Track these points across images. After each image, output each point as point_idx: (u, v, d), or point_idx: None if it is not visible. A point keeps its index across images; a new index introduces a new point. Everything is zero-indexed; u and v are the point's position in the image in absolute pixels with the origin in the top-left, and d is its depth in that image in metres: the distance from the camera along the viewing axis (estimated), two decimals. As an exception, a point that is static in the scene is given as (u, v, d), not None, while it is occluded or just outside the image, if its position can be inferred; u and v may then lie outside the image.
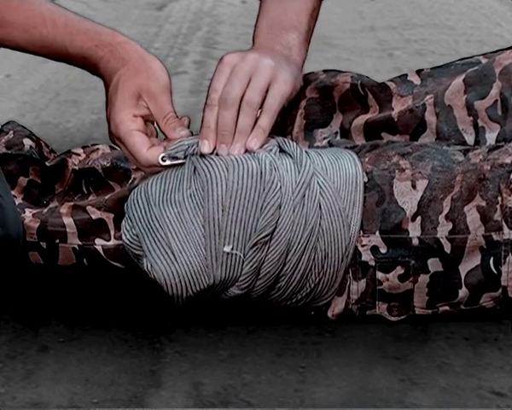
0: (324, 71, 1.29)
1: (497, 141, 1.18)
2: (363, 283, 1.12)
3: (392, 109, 1.24)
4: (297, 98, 1.20)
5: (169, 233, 1.04)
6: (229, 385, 1.11)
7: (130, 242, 1.08)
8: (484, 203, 1.09)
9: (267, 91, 1.08)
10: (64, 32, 1.06)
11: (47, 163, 1.28)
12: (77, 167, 1.27)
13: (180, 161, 1.07)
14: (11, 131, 1.29)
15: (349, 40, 3.07)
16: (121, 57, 1.06)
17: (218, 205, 1.03)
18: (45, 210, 1.18)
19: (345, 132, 1.26)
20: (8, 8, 1.06)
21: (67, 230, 1.15)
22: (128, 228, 1.08)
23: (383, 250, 1.10)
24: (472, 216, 1.09)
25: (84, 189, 1.25)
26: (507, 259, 1.09)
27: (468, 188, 1.09)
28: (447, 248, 1.09)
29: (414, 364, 1.15)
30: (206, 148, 1.06)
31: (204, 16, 3.68)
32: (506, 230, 1.09)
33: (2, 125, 1.31)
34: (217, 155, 1.06)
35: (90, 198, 1.22)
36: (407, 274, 1.10)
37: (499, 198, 1.09)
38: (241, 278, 1.05)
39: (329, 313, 1.14)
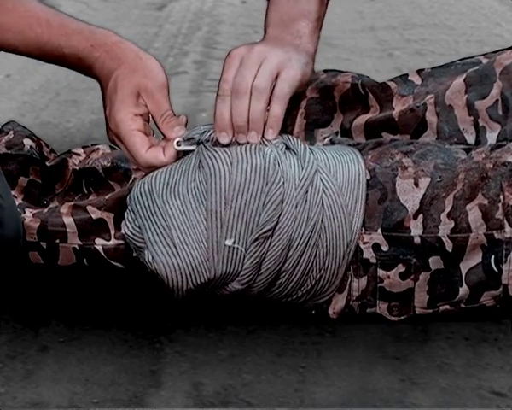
0: (325, 71, 1.29)
1: (497, 141, 1.18)
2: (364, 280, 1.12)
3: (393, 109, 1.24)
4: (297, 98, 1.20)
5: (171, 225, 1.04)
6: (229, 385, 1.11)
7: (132, 234, 1.08)
8: (486, 202, 1.09)
9: (277, 79, 1.07)
10: (59, 33, 1.06)
11: (47, 163, 1.28)
12: (77, 167, 1.27)
13: (194, 147, 1.07)
14: (11, 131, 1.29)
15: (349, 40, 3.07)
16: (117, 57, 1.05)
17: (221, 198, 1.03)
18: (45, 210, 1.18)
19: (345, 132, 1.26)
20: (2, 9, 1.06)
21: (68, 230, 1.15)
22: (130, 220, 1.08)
23: (385, 248, 1.10)
24: (474, 214, 1.09)
25: (85, 189, 1.25)
26: (508, 257, 1.09)
27: (470, 186, 1.09)
28: (449, 246, 1.09)
29: (414, 364, 1.15)
30: (225, 139, 1.06)
31: (204, 16, 3.68)
32: (508, 228, 1.09)
33: (3, 125, 1.31)
34: (223, 146, 1.06)
35: (91, 198, 1.22)
36: (408, 272, 1.10)
37: (501, 197, 1.09)
38: (241, 273, 1.05)
39: (330, 311, 1.14)
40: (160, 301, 1.14)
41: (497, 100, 1.19)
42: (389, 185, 1.10)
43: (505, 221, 1.09)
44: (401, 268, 1.10)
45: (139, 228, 1.07)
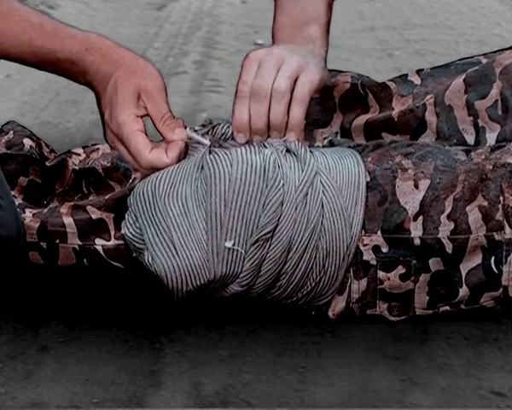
0: (325, 71, 1.29)
1: (497, 141, 1.18)
2: (364, 282, 1.12)
3: (393, 109, 1.24)
4: None
5: (171, 226, 1.04)
6: (229, 385, 1.11)
7: (133, 235, 1.08)
8: (486, 203, 1.09)
9: (295, 82, 1.07)
10: (53, 37, 1.05)
11: (47, 163, 1.28)
12: (77, 167, 1.27)
13: (206, 141, 1.07)
14: (11, 131, 1.29)
15: (349, 40, 3.07)
16: (114, 60, 1.05)
17: (221, 200, 1.03)
18: (45, 210, 1.18)
19: (345, 132, 1.26)
20: None
21: (67, 230, 1.15)
22: (131, 222, 1.08)
23: (385, 250, 1.10)
24: (474, 216, 1.09)
25: (85, 189, 1.25)
26: (508, 258, 1.09)
27: (470, 188, 1.09)
28: (449, 248, 1.09)
29: (414, 364, 1.15)
30: (242, 140, 1.06)
31: (204, 16, 3.68)
32: (508, 229, 1.09)
33: (2, 126, 1.31)
34: (221, 147, 1.06)
35: (91, 198, 1.22)
36: (408, 274, 1.10)
37: (501, 198, 1.09)
38: (241, 275, 1.05)
39: (330, 313, 1.14)
40: (160, 301, 1.14)
41: (496, 100, 1.19)
42: (389, 187, 1.10)
43: (505, 222, 1.09)
44: (401, 270, 1.10)
45: (139, 230, 1.07)
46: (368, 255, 1.10)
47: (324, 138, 1.25)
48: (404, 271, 1.10)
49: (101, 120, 1.08)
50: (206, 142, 1.07)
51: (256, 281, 1.06)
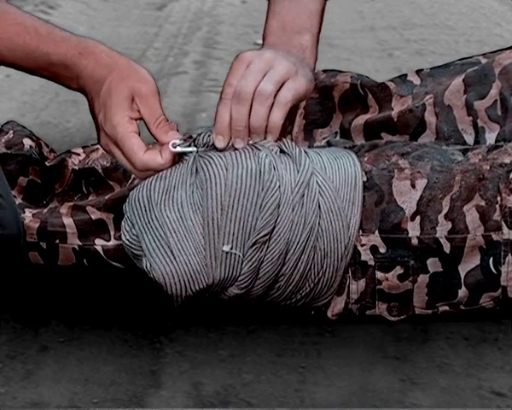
0: (324, 71, 1.29)
1: (496, 141, 1.18)
2: (362, 282, 1.12)
3: (392, 109, 1.24)
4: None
5: (168, 232, 1.04)
6: (229, 385, 1.11)
7: (130, 242, 1.08)
8: (483, 203, 1.09)
9: (281, 87, 1.07)
10: (47, 40, 1.05)
11: (47, 163, 1.28)
12: (77, 167, 1.27)
13: (190, 149, 1.06)
14: (11, 131, 1.29)
15: (349, 40, 3.07)
16: (107, 64, 1.05)
17: (217, 204, 1.03)
18: (45, 210, 1.18)
19: (344, 132, 1.26)
20: None
21: (67, 230, 1.15)
22: (128, 228, 1.08)
23: (382, 250, 1.10)
24: (471, 216, 1.09)
25: (84, 189, 1.25)
26: (506, 259, 1.09)
27: (467, 188, 1.09)
28: (446, 248, 1.09)
29: (414, 364, 1.15)
30: (221, 143, 1.05)
31: (204, 16, 3.68)
32: (505, 230, 1.09)
33: (2, 125, 1.31)
34: (217, 150, 1.06)
35: (90, 198, 1.22)
36: (406, 274, 1.10)
37: (498, 198, 1.09)
38: (240, 278, 1.05)
39: (329, 313, 1.14)
40: (160, 301, 1.14)
41: (495, 100, 1.19)
42: (386, 187, 1.10)
43: (503, 223, 1.09)
44: (399, 270, 1.10)
45: (136, 236, 1.07)
46: (366, 256, 1.10)
47: (324, 138, 1.25)
48: (402, 271, 1.10)
49: (94, 124, 1.08)
50: (192, 149, 1.07)
51: (255, 283, 1.06)
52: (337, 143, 1.21)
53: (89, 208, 1.16)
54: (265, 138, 1.05)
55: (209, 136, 1.07)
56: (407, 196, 1.10)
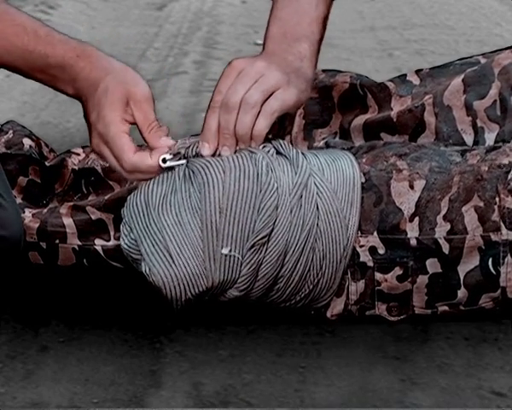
0: (324, 71, 1.29)
1: (495, 141, 1.18)
2: (361, 284, 1.12)
3: (392, 109, 1.24)
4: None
5: (167, 236, 1.04)
6: (229, 385, 1.11)
7: (129, 246, 1.07)
8: (482, 204, 1.09)
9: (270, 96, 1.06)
10: (45, 41, 1.06)
11: (46, 163, 1.28)
12: (76, 167, 1.27)
13: (181, 162, 1.06)
14: (11, 131, 1.29)
15: (349, 40, 3.07)
16: (104, 67, 1.06)
17: (216, 207, 1.03)
18: (45, 210, 1.18)
19: (344, 132, 1.26)
20: None
21: (67, 230, 1.15)
22: (126, 233, 1.08)
23: (381, 251, 1.10)
24: (470, 216, 1.09)
25: (84, 189, 1.25)
26: (505, 259, 1.09)
27: (465, 188, 1.09)
28: (445, 248, 1.09)
29: (414, 364, 1.15)
30: (206, 150, 1.05)
31: (204, 16, 3.68)
32: (504, 230, 1.09)
33: (2, 125, 1.31)
34: (213, 155, 1.06)
35: (90, 198, 1.22)
36: (405, 275, 1.10)
37: (497, 199, 1.09)
38: (239, 280, 1.05)
39: (328, 314, 1.14)
40: (160, 301, 1.14)
41: (495, 100, 1.19)
42: (384, 188, 1.10)
43: (501, 223, 1.09)
44: (398, 271, 1.10)
45: (135, 240, 1.07)
46: (365, 257, 1.10)
47: (323, 138, 1.25)
48: (401, 272, 1.10)
49: (87, 126, 1.08)
50: (183, 162, 1.06)
51: (254, 285, 1.06)
52: (335, 144, 1.21)
53: (89, 208, 1.16)
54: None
55: (197, 147, 1.07)
56: (405, 197, 1.10)
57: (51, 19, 3.24)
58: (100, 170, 1.25)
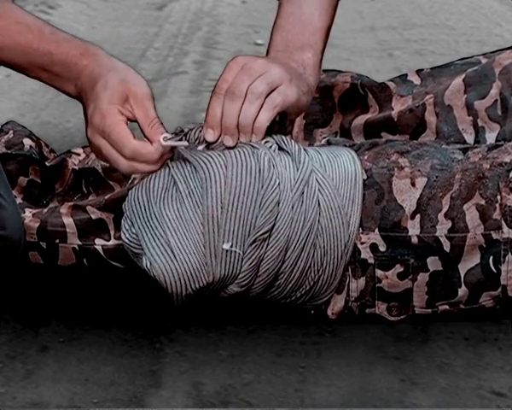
0: (324, 71, 1.29)
1: (496, 141, 1.18)
2: (362, 280, 1.12)
3: (392, 109, 1.24)
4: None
5: (168, 231, 1.04)
6: (229, 385, 1.11)
7: (130, 241, 1.08)
8: (483, 202, 1.09)
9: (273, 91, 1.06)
10: (50, 39, 1.06)
11: (47, 163, 1.28)
12: (76, 167, 1.27)
13: (182, 143, 1.06)
14: (11, 131, 1.29)
15: (349, 40, 3.07)
16: (107, 64, 1.06)
17: (217, 202, 1.03)
18: (45, 210, 1.18)
19: (345, 132, 1.26)
20: None
21: (67, 230, 1.15)
22: (127, 227, 1.08)
23: (382, 248, 1.10)
24: (471, 214, 1.09)
25: (84, 189, 1.25)
26: (506, 258, 1.09)
27: (467, 186, 1.09)
28: (446, 246, 1.09)
29: (414, 364, 1.15)
30: (210, 136, 1.05)
31: (204, 16, 3.68)
32: (505, 228, 1.09)
33: (2, 125, 1.31)
34: (209, 144, 1.06)
35: (90, 198, 1.22)
36: (406, 272, 1.10)
37: (498, 197, 1.09)
38: (240, 276, 1.05)
39: (329, 311, 1.14)
40: (160, 301, 1.14)
41: (496, 100, 1.19)
42: (386, 185, 1.10)
43: (503, 222, 1.09)
44: (399, 268, 1.11)
45: (136, 235, 1.07)
46: (366, 254, 1.10)
47: (324, 138, 1.25)
48: (402, 269, 1.10)
49: (84, 121, 1.07)
50: (183, 143, 1.07)
51: (255, 281, 1.06)
52: (337, 141, 1.21)
53: (89, 208, 1.16)
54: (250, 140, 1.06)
55: (200, 131, 1.07)
56: (407, 195, 1.10)
57: (51, 19, 3.23)
58: (100, 170, 1.25)
